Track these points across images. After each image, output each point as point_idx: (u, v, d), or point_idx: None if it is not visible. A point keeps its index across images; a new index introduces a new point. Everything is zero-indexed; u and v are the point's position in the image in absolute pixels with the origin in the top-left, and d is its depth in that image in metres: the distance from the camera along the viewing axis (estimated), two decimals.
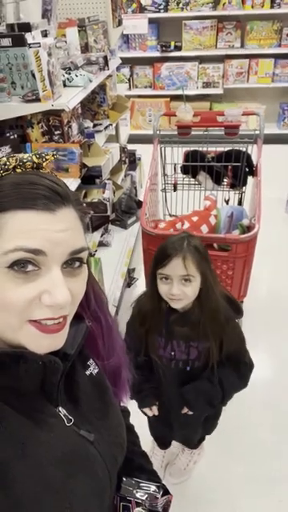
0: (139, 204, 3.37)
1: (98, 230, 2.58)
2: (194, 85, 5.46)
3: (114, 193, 2.98)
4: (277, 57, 5.23)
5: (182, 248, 1.28)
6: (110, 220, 2.76)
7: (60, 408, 0.64)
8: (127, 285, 3.05)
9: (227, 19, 5.12)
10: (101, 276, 2.47)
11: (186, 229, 2.33)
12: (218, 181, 2.76)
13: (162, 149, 2.74)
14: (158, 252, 1.34)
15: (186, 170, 2.80)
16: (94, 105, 2.82)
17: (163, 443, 1.89)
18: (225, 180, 2.77)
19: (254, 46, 5.20)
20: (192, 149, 2.74)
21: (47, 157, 0.61)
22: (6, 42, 1.86)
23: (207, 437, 1.83)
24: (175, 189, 2.85)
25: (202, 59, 5.40)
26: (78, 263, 0.60)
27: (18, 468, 0.55)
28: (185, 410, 1.51)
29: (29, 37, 1.85)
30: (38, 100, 1.82)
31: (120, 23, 3.21)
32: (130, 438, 0.84)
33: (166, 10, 5.13)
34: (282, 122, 5.49)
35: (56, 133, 1.98)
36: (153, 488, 0.81)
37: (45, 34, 1.96)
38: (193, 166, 2.74)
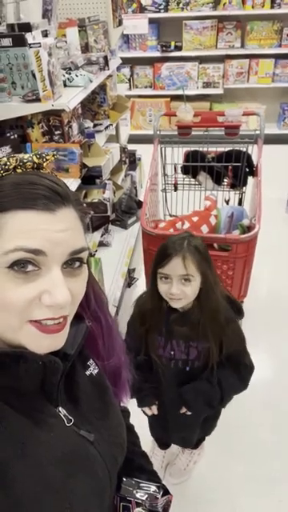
0: (139, 204, 3.37)
1: (99, 230, 2.58)
2: (194, 85, 5.46)
3: (114, 193, 2.98)
4: (277, 57, 5.24)
5: (182, 248, 1.28)
6: (110, 220, 2.76)
7: (60, 408, 0.64)
8: (127, 285, 3.05)
9: (227, 19, 5.12)
10: (101, 276, 2.47)
11: (186, 229, 2.34)
12: (218, 181, 2.76)
13: (163, 149, 2.74)
14: (159, 251, 1.35)
15: (186, 170, 2.80)
16: (94, 105, 2.82)
17: (163, 443, 1.90)
18: (225, 180, 2.77)
19: (254, 46, 5.20)
20: (192, 149, 2.74)
21: (47, 157, 0.61)
22: (7, 41, 1.86)
23: (207, 437, 1.83)
24: (176, 188, 2.85)
25: (202, 59, 5.40)
26: (78, 263, 0.60)
27: (17, 468, 0.55)
28: (183, 410, 1.51)
29: (29, 37, 1.85)
30: (38, 100, 1.82)
31: (120, 23, 3.21)
32: (130, 438, 0.84)
33: (166, 10, 5.13)
34: (283, 122, 5.49)
35: (56, 133, 1.98)
36: (153, 488, 0.81)
37: (45, 34, 1.96)
38: (193, 166, 2.74)
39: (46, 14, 2.32)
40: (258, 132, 2.61)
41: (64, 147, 1.97)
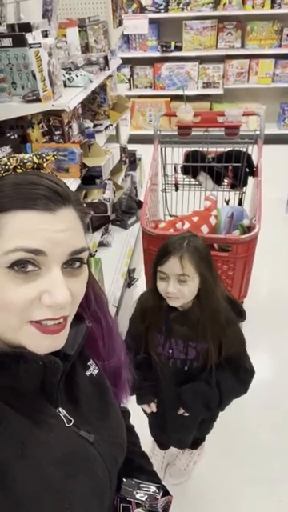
0: (139, 204, 3.37)
1: (99, 230, 2.58)
2: (194, 85, 5.46)
3: (115, 193, 2.98)
4: (277, 57, 5.24)
5: (181, 247, 1.29)
6: (110, 220, 2.76)
7: (60, 408, 0.64)
8: (127, 285, 3.05)
9: (227, 19, 5.12)
10: (101, 276, 2.47)
11: (186, 229, 2.33)
12: (218, 181, 2.76)
13: (163, 149, 2.74)
14: (159, 249, 1.36)
15: (186, 171, 2.80)
16: (94, 105, 2.82)
17: (163, 444, 1.89)
18: (225, 180, 2.77)
19: (254, 47, 5.20)
20: (192, 149, 2.74)
21: (48, 157, 0.61)
22: (7, 42, 1.86)
23: (207, 437, 1.84)
24: (177, 188, 2.85)
25: (202, 59, 5.40)
26: (78, 263, 0.60)
27: (17, 468, 0.55)
28: (181, 412, 1.51)
29: (29, 37, 1.85)
30: (38, 100, 1.82)
31: (120, 23, 3.21)
32: (130, 439, 0.84)
33: (166, 10, 5.13)
34: (283, 122, 5.49)
35: (56, 133, 1.98)
36: (153, 489, 0.80)
37: (45, 34, 1.96)
38: (193, 166, 2.74)
39: (46, 14, 2.33)
40: (258, 132, 2.61)
41: (64, 147, 1.97)
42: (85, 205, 2.31)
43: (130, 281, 3.10)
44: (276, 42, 5.18)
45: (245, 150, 2.63)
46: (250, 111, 2.95)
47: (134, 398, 1.53)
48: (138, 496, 0.79)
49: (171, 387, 1.49)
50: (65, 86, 2.01)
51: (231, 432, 2.03)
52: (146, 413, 1.64)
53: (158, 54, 5.36)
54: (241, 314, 1.48)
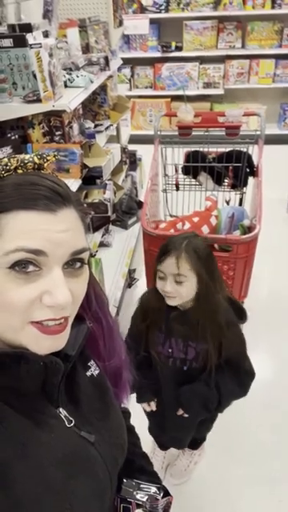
0: (140, 204, 3.37)
1: (99, 230, 2.58)
2: (194, 85, 5.46)
3: (115, 193, 2.98)
4: (277, 57, 5.24)
5: (179, 247, 1.29)
6: (110, 220, 2.76)
7: (61, 409, 0.64)
8: (128, 285, 3.05)
9: (228, 20, 5.12)
10: (101, 276, 2.47)
11: (186, 229, 2.34)
12: (218, 181, 2.76)
13: (163, 149, 2.74)
14: (160, 249, 1.37)
15: (186, 171, 2.80)
16: (94, 105, 2.82)
17: (163, 444, 1.89)
18: (226, 180, 2.77)
19: (254, 47, 5.20)
20: (193, 149, 2.74)
21: (48, 157, 0.61)
22: (7, 42, 1.86)
23: (208, 437, 1.83)
24: (177, 188, 2.85)
25: (202, 60, 5.40)
26: (79, 264, 0.60)
27: (18, 468, 0.55)
28: (180, 412, 1.51)
29: (30, 37, 1.85)
30: (39, 101, 1.82)
31: (121, 24, 3.21)
32: (131, 439, 0.84)
33: (166, 10, 5.13)
34: (283, 122, 5.49)
35: (57, 133, 1.98)
36: (153, 489, 0.80)
37: (46, 35, 1.97)
38: (194, 166, 2.74)
39: (47, 14, 2.33)
40: (258, 132, 2.61)
41: (65, 148, 1.97)
42: (85, 205, 2.31)
43: (130, 281, 3.10)
44: (276, 42, 5.18)
45: (245, 150, 2.63)
46: (250, 111, 2.95)
47: (134, 398, 1.53)
48: (138, 496, 0.79)
49: (171, 387, 1.49)
50: (65, 86, 2.01)
51: (231, 432, 2.03)
52: (145, 412, 1.64)
53: (158, 55, 5.36)
54: (241, 316, 1.48)
